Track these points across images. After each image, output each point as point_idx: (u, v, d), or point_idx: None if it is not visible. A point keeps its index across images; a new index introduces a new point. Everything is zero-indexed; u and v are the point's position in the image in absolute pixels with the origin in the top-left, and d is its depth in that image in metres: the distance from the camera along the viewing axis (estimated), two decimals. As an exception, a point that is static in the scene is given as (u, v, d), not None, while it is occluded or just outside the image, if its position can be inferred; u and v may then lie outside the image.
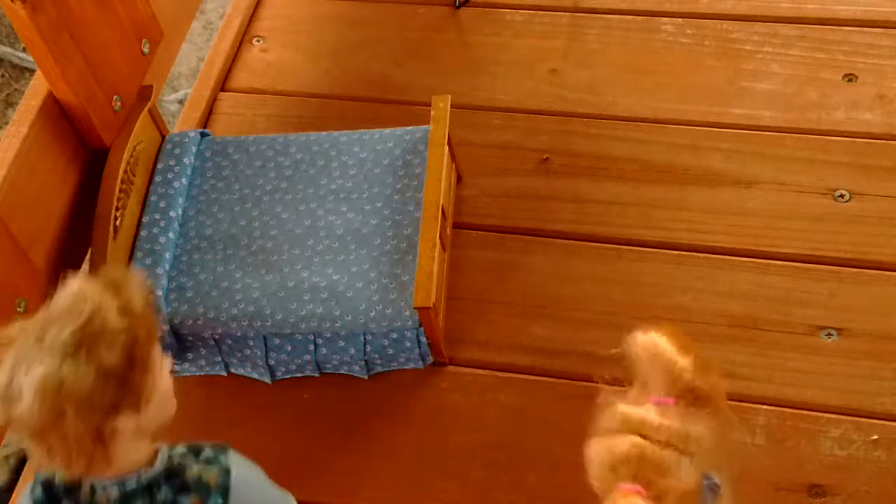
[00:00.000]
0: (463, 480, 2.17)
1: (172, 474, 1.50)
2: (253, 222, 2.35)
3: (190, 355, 2.31)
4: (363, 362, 2.26)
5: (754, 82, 2.66)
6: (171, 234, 2.32)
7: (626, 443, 1.26)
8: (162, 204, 2.35)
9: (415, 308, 2.16)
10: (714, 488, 1.29)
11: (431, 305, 2.14)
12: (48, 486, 1.51)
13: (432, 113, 2.39)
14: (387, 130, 2.45)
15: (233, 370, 2.34)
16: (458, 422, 2.25)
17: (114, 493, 1.47)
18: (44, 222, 2.19)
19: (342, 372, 2.30)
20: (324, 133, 2.48)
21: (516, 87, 2.74)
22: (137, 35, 2.38)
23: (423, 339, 2.23)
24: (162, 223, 2.32)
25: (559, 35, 2.83)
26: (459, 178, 2.57)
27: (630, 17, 2.83)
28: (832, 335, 2.25)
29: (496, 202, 2.54)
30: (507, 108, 2.71)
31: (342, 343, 2.23)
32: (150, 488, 1.48)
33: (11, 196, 2.09)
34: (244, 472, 1.55)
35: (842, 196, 2.44)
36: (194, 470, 1.51)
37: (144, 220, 2.33)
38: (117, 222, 2.24)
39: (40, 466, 1.45)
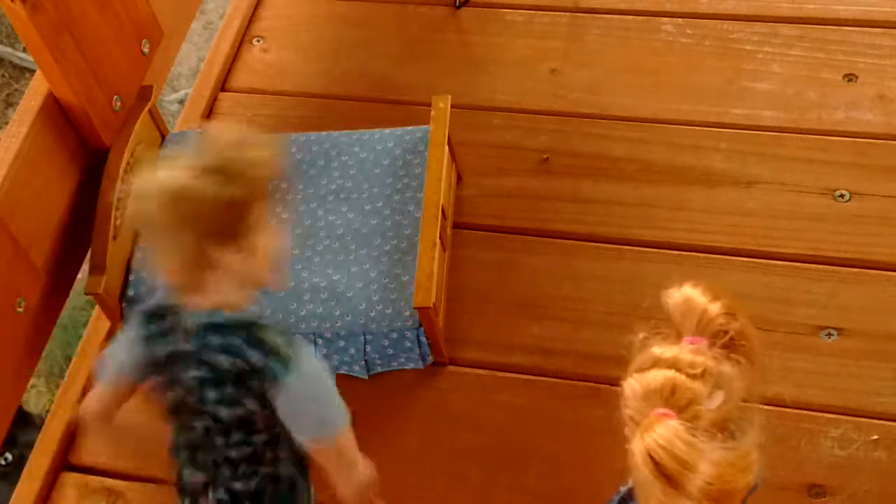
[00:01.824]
0: (463, 480, 2.17)
1: (252, 328, 1.56)
2: (253, 222, 2.35)
3: (190, 355, 2.31)
4: (363, 362, 2.26)
5: (754, 82, 2.66)
6: (171, 234, 2.32)
7: (659, 375, 1.31)
8: (162, 204, 2.35)
9: (415, 308, 2.16)
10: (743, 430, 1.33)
11: (431, 305, 2.14)
12: (153, 308, 1.62)
13: (432, 113, 2.39)
14: (387, 130, 2.45)
15: (233, 370, 2.33)
16: (458, 422, 2.25)
17: (198, 319, 1.55)
18: (44, 222, 2.19)
19: (342, 372, 2.30)
20: (324, 133, 2.48)
21: (516, 87, 2.74)
22: (137, 35, 2.38)
23: (423, 339, 2.22)
24: (162, 223, 2.32)
25: (559, 35, 2.82)
26: (459, 178, 2.57)
27: (630, 17, 2.83)
28: (832, 335, 2.25)
29: (496, 202, 2.54)
30: (507, 108, 2.71)
31: (342, 343, 2.23)
32: (227, 328, 1.55)
33: (11, 196, 2.09)
34: (313, 361, 1.59)
35: (842, 196, 2.44)
36: (270, 335, 1.56)
37: (144, 220, 2.33)
38: (117, 222, 2.24)
39: (152, 270, 1.55)
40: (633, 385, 1.33)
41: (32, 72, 3.15)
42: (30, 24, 2.02)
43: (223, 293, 1.54)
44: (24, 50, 3.68)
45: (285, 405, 1.54)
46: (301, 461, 1.68)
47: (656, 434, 1.26)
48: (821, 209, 2.43)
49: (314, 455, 1.62)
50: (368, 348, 2.24)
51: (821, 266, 2.35)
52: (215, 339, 1.55)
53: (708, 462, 1.23)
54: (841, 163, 2.49)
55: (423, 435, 2.24)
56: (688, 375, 1.31)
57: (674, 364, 1.32)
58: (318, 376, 1.57)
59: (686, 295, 1.41)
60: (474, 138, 2.64)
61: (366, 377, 2.29)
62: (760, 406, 1.34)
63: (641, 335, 1.39)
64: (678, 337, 1.38)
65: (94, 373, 1.71)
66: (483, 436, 2.21)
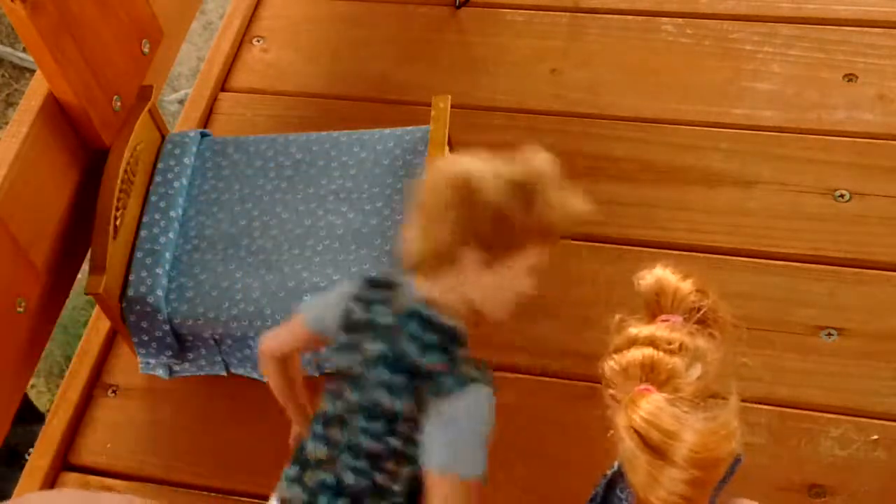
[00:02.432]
0: (463, 480, 2.17)
1: (452, 338, 1.57)
2: (253, 222, 2.35)
3: (190, 355, 2.31)
4: (363, 362, 2.26)
5: (754, 82, 2.66)
6: (171, 234, 2.32)
7: (637, 353, 1.36)
8: (162, 204, 2.35)
9: (415, 308, 2.15)
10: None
11: (431, 305, 2.14)
12: (379, 277, 1.66)
13: (432, 113, 2.39)
14: (387, 130, 2.45)
15: (233, 370, 2.34)
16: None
17: (415, 303, 1.56)
18: (44, 222, 2.19)
19: (342, 372, 2.29)
20: (324, 133, 2.47)
21: (516, 87, 2.74)
22: (137, 35, 2.38)
23: (424, 339, 2.22)
24: (162, 223, 2.32)
25: (559, 35, 2.83)
26: (459, 178, 2.56)
27: (630, 17, 2.83)
28: (832, 335, 2.25)
29: (496, 202, 2.54)
30: (507, 108, 2.71)
31: (342, 343, 2.23)
32: (431, 325, 1.55)
33: (11, 196, 2.09)
34: (486, 401, 1.56)
35: (842, 196, 2.44)
36: (462, 353, 1.57)
37: (144, 220, 2.33)
38: (117, 222, 2.24)
39: (407, 235, 1.56)
40: (612, 365, 1.37)
41: (32, 72, 3.15)
42: (30, 24, 2.02)
43: (448, 292, 1.55)
44: (24, 50, 3.68)
45: (435, 420, 1.51)
46: (414, 495, 1.61)
47: (640, 408, 1.29)
48: (821, 209, 2.43)
49: (428, 487, 1.55)
50: (368, 348, 2.23)
51: (821, 266, 2.35)
52: (415, 328, 1.55)
53: (692, 431, 1.27)
54: (841, 163, 2.49)
55: (423, 435, 2.23)
56: (665, 351, 1.35)
57: (651, 341, 1.36)
58: (482, 416, 1.55)
59: (657, 276, 1.46)
60: (474, 138, 2.63)
61: (366, 377, 2.29)
62: (735, 378, 1.39)
63: (617, 317, 1.43)
64: (652, 319, 1.43)
65: (297, 315, 1.73)
66: (483, 436, 2.21)
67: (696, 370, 1.34)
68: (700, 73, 2.70)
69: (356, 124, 2.54)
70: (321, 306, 1.68)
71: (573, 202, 1.57)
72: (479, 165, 1.54)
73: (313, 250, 2.29)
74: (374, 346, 1.57)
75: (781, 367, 2.22)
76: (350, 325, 1.61)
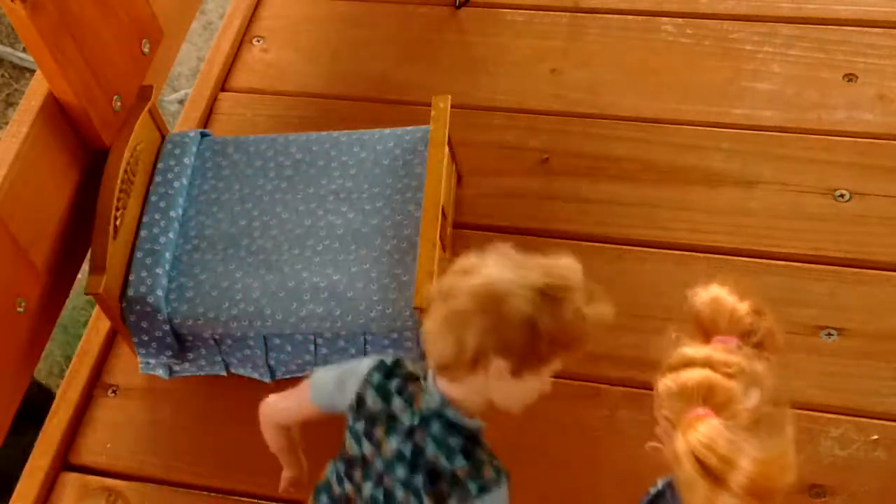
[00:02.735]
0: (463, 480, 2.17)
1: (472, 439, 1.57)
2: (253, 222, 2.35)
3: (190, 355, 2.31)
4: (363, 362, 2.26)
5: (754, 82, 2.66)
6: (171, 234, 2.32)
7: (695, 374, 1.32)
8: (162, 204, 2.35)
9: (415, 308, 2.15)
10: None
11: (431, 305, 2.14)
12: (398, 363, 1.64)
13: (432, 113, 2.39)
14: (387, 130, 2.45)
15: (233, 370, 2.34)
16: (459, 422, 2.25)
17: (434, 403, 1.56)
18: (44, 222, 2.19)
19: (342, 372, 2.30)
20: (324, 133, 2.47)
21: (516, 87, 2.74)
22: (137, 35, 2.38)
23: (424, 339, 2.22)
24: (162, 223, 2.32)
25: (559, 35, 2.83)
26: (459, 178, 2.57)
27: (630, 17, 2.83)
28: (832, 335, 2.25)
29: (496, 202, 2.54)
30: (507, 108, 2.71)
31: (342, 343, 2.23)
32: (452, 427, 1.56)
33: (11, 196, 2.09)
34: (501, 498, 1.59)
35: (842, 196, 2.44)
36: (484, 456, 1.58)
37: (144, 220, 2.33)
38: (117, 222, 2.24)
39: (428, 339, 1.54)
40: (668, 385, 1.34)
41: (32, 72, 3.15)
42: (30, 24, 2.02)
43: (469, 394, 1.55)
44: (24, 50, 3.68)
45: None
46: None
47: (699, 433, 1.27)
48: (821, 209, 2.43)
49: None
50: (368, 348, 2.23)
51: (821, 266, 2.35)
52: (439, 430, 1.56)
53: (750, 459, 1.25)
54: (841, 163, 2.49)
55: (424, 435, 2.23)
56: (723, 374, 1.32)
57: (708, 363, 1.33)
58: None
59: (714, 294, 1.42)
60: (474, 138, 2.64)
61: (366, 377, 2.29)
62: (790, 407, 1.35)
63: (673, 335, 1.39)
64: (706, 337, 1.39)
65: (305, 386, 1.70)
66: (483, 436, 2.21)
67: (754, 396, 1.32)
68: (700, 73, 2.70)
69: (356, 124, 2.54)
70: (332, 385, 1.67)
71: (601, 310, 1.53)
72: (506, 274, 1.49)
73: (313, 250, 2.29)
74: (391, 441, 1.58)
75: (781, 367, 2.21)
76: (366, 413, 1.61)
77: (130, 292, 2.24)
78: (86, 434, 2.36)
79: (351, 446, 1.63)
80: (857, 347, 2.23)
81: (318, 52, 2.89)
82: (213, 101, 2.82)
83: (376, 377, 1.62)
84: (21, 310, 2.10)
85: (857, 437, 2.12)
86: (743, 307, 1.40)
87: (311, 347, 2.24)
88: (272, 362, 2.27)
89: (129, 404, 2.39)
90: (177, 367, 2.34)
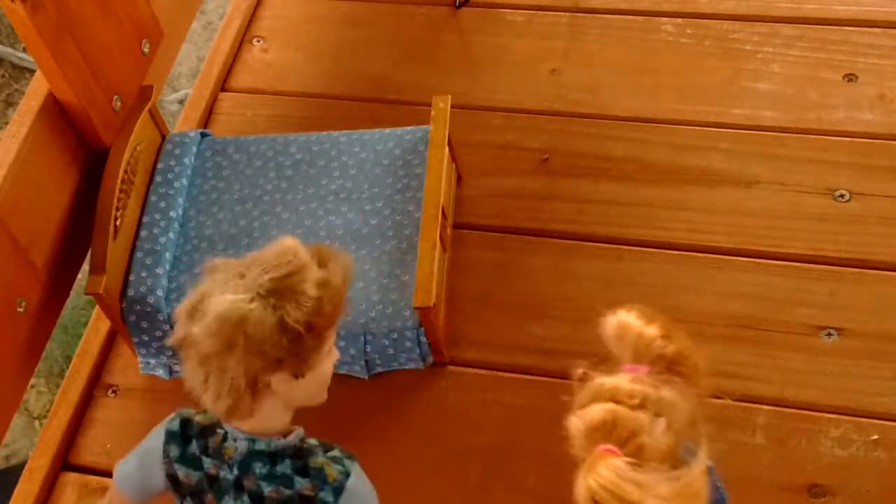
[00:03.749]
0: (463, 480, 2.17)
1: (299, 454, 1.53)
2: (253, 222, 2.35)
3: (190, 355, 2.31)
4: (363, 362, 2.26)
5: (754, 82, 2.66)
6: (171, 234, 2.32)
7: (599, 409, 1.27)
8: (162, 204, 2.35)
9: (415, 308, 2.16)
10: (692, 453, 1.29)
11: (431, 305, 2.14)
12: (186, 422, 1.57)
13: (432, 113, 2.39)
14: (387, 130, 2.45)
15: (233, 370, 2.33)
16: (458, 422, 2.25)
17: (242, 446, 1.51)
18: (44, 222, 2.19)
19: (342, 372, 2.30)
20: (324, 133, 2.48)
21: (516, 87, 2.74)
22: (137, 35, 2.38)
23: (424, 340, 2.22)
24: (162, 223, 2.32)
25: (559, 35, 2.83)
26: (459, 178, 2.57)
27: (630, 17, 2.83)
28: (832, 335, 2.25)
29: (496, 202, 2.54)
30: (507, 108, 2.71)
31: (342, 343, 2.23)
32: (273, 456, 1.51)
33: (11, 196, 2.09)
34: (361, 483, 1.55)
35: (842, 196, 2.44)
36: (319, 460, 1.53)
37: (144, 220, 2.33)
38: (117, 222, 2.24)
39: (191, 392, 1.48)
40: (575, 422, 1.29)
41: (32, 72, 3.15)
42: (30, 24, 2.02)
43: (269, 418, 1.50)
44: (24, 50, 3.68)
45: None
46: None
47: (598, 475, 1.22)
48: (821, 209, 2.43)
49: None
50: (368, 348, 2.24)
51: (821, 266, 2.35)
52: (260, 468, 1.51)
53: (654, 497, 1.19)
54: (841, 163, 2.49)
55: (423, 435, 2.24)
56: (628, 406, 1.26)
57: (613, 395, 1.28)
58: (368, 495, 1.55)
59: (620, 321, 1.37)
60: (474, 138, 2.64)
61: (366, 377, 2.29)
62: (704, 429, 1.30)
63: (580, 370, 1.35)
64: (617, 363, 1.34)
65: (114, 483, 1.65)
66: (483, 436, 2.21)
67: (661, 425, 1.25)
68: (700, 73, 2.69)
69: (356, 124, 2.54)
70: (136, 474, 1.61)
71: (340, 266, 1.47)
72: (227, 296, 1.40)
73: (313, 250, 2.29)
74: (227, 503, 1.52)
75: (781, 367, 2.22)
76: (186, 490, 1.55)
77: (130, 292, 2.24)
78: (86, 434, 2.36)
79: None
80: (857, 347, 2.23)
81: (318, 52, 2.89)
82: (213, 101, 2.82)
83: (175, 450, 1.56)
84: (21, 310, 2.10)
85: (857, 437, 2.12)
86: (650, 331, 1.33)
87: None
88: (272, 362, 2.27)
89: (129, 404, 2.39)
90: (177, 367, 2.34)
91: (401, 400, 2.29)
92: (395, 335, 2.21)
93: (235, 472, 1.52)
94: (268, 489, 1.51)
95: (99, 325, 2.48)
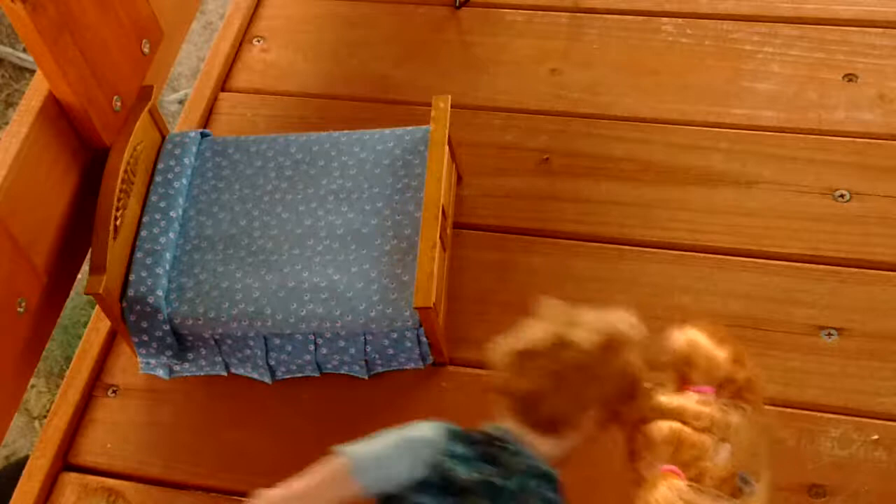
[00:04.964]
0: (463, 480, 2.17)
1: (555, 483, 1.53)
2: (253, 222, 2.35)
3: (190, 355, 2.31)
4: (363, 362, 2.26)
5: (754, 82, 2.66)
6: (171, 234, 2.32)
7: (665, 427, 1.28)
8: (162, 204, 2.35)
9: (415, 308, 2.16)
10: (747, 482, 1.28)
11: (432, 305, 2.14)
12: (465, 432, 1.57)
13: (432, 113, 2.39)
14: (387, 130, 2.45)
15: (233, 370, 2.34)
16: (459, 422, 2.23)
17: (532, 461, 1.50)
18: (44, 222, 2.19)
19: (342, 372, 2.30)
20: (324, 133, 2.48)
21: (516, 87, 2.74)
22: (137, 35, 2.38)
23: (424, 339, 2.23)
24: (162, 223, 2.32)
25: (559, 35, 2.83)
26: (459, 178, 2.57)
27: (630, 17, 2.83)
28: (832, 335, 2.25)
29: (496, 202, 2.54)
30: (507, 108, 2.71)
31: (342, 343, 2.23)
32: (546, 478, 1.51)
33: (11, 196, 2.09)
34: None
35: (842, 196, 2.44)
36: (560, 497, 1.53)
37: (144, 220, 2.33)
38: (117, 222, 2.24)
39: (506, 404, 1.51)
40: (639, 437, 1.31)
41: (32, 72, 3.15)
42: (30, 24, 2.02)
43: (556, 446, 1.51)
44: (24, 50, 3.68)
45: None
46: None
47: (659, 494, 1.23)
48: (821, 209, 2.43)
49: None
50: (368, 348, 2.24)
51: (821, 266, 2.35)
52: (535, 485, 1.51)
53: None
54: (841, 163, 2.49)
55: (424, 435, 2.23)
56: (694, 428, 1.27)
57: (679, 415, 1.29)
58: None
59: (690, 339, 1.37)
60: (474, 138, 2.64)
61: (366, 377, 2.30)
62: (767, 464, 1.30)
63: (646, 383, 1.34)
64: (682, 384, 1.34)
65: (335, 469, 1.55)
66: (483, 436, 2.21)
67: (725, 451, 1.27)
68: (700, 73, 2.70)
69: (356, 124, 2.54)
70: (383, 461, 1.55)
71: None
72: (617, 325, 1.46)
73: (313, 250, 2.29)
74: None
75: (781, 367, 2.22)
76: (455, 489, 1.51)
77: (130, 292, 2.24)
78: (86, 434, 2.36)
79: None
80: (857, 347, 2.23)
81: (318, 52, 2.89)
82: (213, 101, 2.82)
83: (459, 448, 1.55)
84: (21, 310, 2.10)
85: (857, 437, 2.12)
86: (721, 355, 1.34)
87: (311, 347, 2.24)
88: (272, 362, 2.27)
89: (129, 404, 2.39)
90: (177, 367, 2.34)
91: (401, 400, 2.29)
92: (395, 335, 2.21)
93: (515, 484, 1.50)
94: None
95: (99, 325, 2.48)
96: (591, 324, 1.51)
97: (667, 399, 1.32)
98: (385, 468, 1.55)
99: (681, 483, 1.22)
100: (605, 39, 2.80)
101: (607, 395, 1.44)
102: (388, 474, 1.54)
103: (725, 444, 1.27)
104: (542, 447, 1.52)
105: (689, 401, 1.30)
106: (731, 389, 1.32)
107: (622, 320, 1.51)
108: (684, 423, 1.28)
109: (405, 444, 1.56)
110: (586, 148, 2.61)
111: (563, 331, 1.53)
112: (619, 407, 1.45)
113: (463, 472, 1.51)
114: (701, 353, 1.35)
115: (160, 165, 2.41)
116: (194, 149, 2.45)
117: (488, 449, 1.55)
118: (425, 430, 1.59)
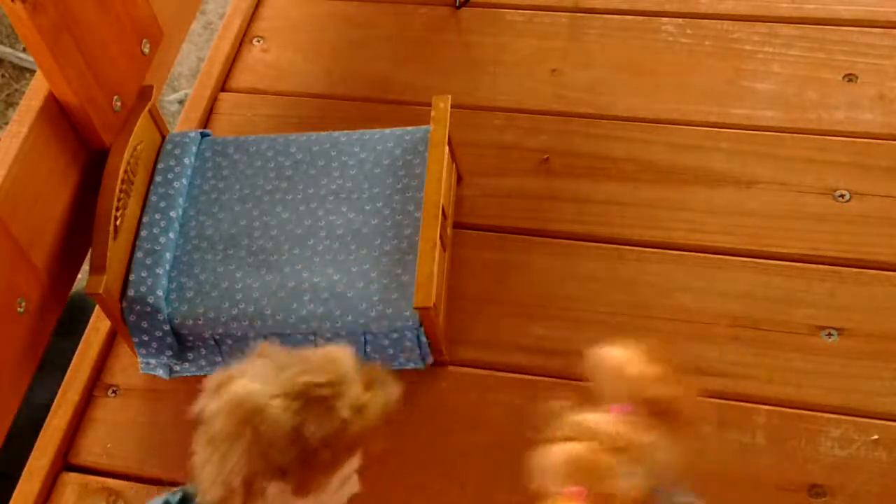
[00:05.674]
0: (463, 480, 2.17)
1: None
2: (253, 222, 2.35)
3: (190, 355, 2.31)
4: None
5: (754, 82, 2.66)
6: (171, 234, 2.32)
7: (575, 447, 1.23)
8: (162, 204, 2.35)
9: (415, 308, 2.16)
10: (665, 499, 1.26)
11: (432, 305, 2.14)
12: (189, 499, 1.48)
13: (432, 113, 2.39)
14: (387, 130, 2.45)
15: (233, 370, 2.33)
16: (458, 422, 2.25)
17: None
18: (44, 222, 2.19)
19: (342, 372, 2.30)
20: (324, 133, 2.48)
21: (516, 87, 2.74)
22: (137, 35, 2.38)
23: (424, 339, 2.23)
24: (162, 223, 2.32)
25: (559, 35, 2.83)
26: (459, 178, 2.57)
27: (630, 17, 2.83)
28: (832, 335, 2.25)
29: (496, 202, 2.54)
30: (508, 108, 2.71)
31: (342, 343, 2.23)
32: None
33: (11, 196, 2.09)
34: None
35: (842, 196, 2.44)
36: None
37: (144, 220, 2.33)
38: (117, 222, 2.24)
39: (195, 472, 1.40)
40: (549, 456, 1.25)
41: (32, 72, 3.15)
42: (30, 24, 2.02)
43: None
44: (24, 50, 3.68)
45: None
46: None
47: None
48: (821, 209, 2.43)
49: None
50: (368, 348, 2.24)
51: (821, 266, 2.35)
52: None
53: None
54: (841, 163, 2.49)
55: (423, 435, 2.23)
56: (606, 449, 1.22)
57: (593, 435, 1.24)
58: None
59: (612, 358, 1.32)
60: (474, 138, 2.64)
61: (366, 377, 2.29)
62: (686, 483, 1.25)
63: (559, 404, 1.29)
64: (602, 398, 1.29)
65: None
66: (483, 435, 2.21)
67: (636, 472, 1.21)
68: (700, 73, 2.70)
69: (356, 124, 2.54)
70: None
71: (384, 396, 1.38)
72: (255, 385, 1.34)
73: (313, 250, 2.29)
74: None
75: (781, 367, 2.22)
76: None
77: (130, 292, 2.24)
78: (86, 434, 2.36)
79: None
80: (857, 347, 2.23)
81: (318, 52, 2.89)
82: (213, 101, 2.82)
83: None
84: (21, 310, 2.10)
85: (857, 437, 2.12)
86: (645, 374, 1.28)
87: (312, 347, 2.24)
88: (272, 362, 2.27)
89: (129, 404, 2.39)
90: (177, 367, 2.34)
91: (401, 400, 2.28)
92: (395, 335, 2.21)
93: None
94: None
95: (99, 325, 2.48)
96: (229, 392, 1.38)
97: (581, 418, 1.27)
98: None
99: None
100: (605, 39, 2.80)
101: (274, 464, 1.31)
102: None
103: (639, 466, 1.22)
104: None
105: (605, 420, 1.26)
106: (653, 409, 1.27)
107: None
108: (597, 443, 1.23)
109: None
110: (586, 148, 2.61)
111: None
112: (314, 474, 1.33)
113: None
114: (621, 372, 1.31)
115: (160, 165, 2.41)
116: (194, 149, 2.45)
117: None
118: None
